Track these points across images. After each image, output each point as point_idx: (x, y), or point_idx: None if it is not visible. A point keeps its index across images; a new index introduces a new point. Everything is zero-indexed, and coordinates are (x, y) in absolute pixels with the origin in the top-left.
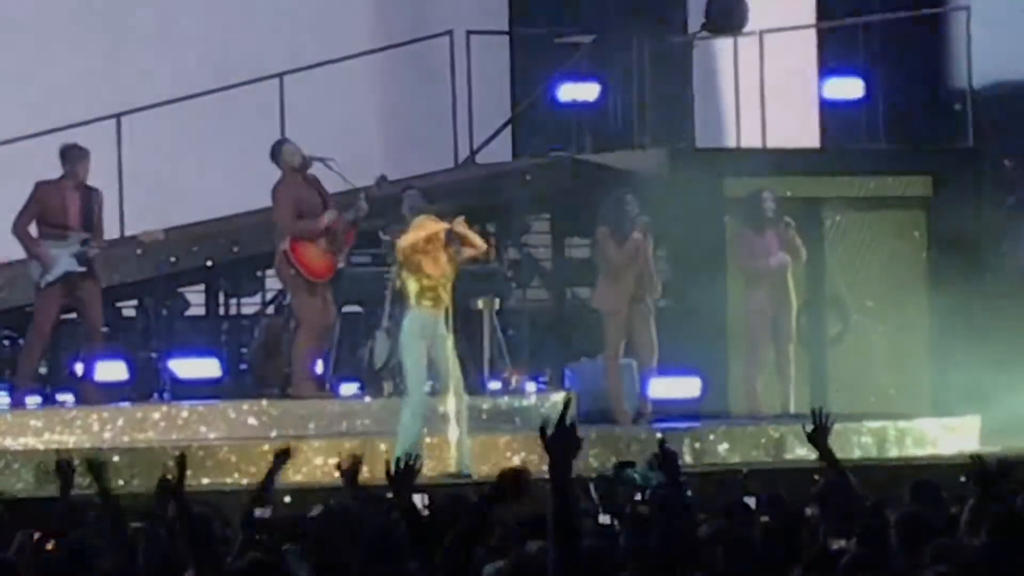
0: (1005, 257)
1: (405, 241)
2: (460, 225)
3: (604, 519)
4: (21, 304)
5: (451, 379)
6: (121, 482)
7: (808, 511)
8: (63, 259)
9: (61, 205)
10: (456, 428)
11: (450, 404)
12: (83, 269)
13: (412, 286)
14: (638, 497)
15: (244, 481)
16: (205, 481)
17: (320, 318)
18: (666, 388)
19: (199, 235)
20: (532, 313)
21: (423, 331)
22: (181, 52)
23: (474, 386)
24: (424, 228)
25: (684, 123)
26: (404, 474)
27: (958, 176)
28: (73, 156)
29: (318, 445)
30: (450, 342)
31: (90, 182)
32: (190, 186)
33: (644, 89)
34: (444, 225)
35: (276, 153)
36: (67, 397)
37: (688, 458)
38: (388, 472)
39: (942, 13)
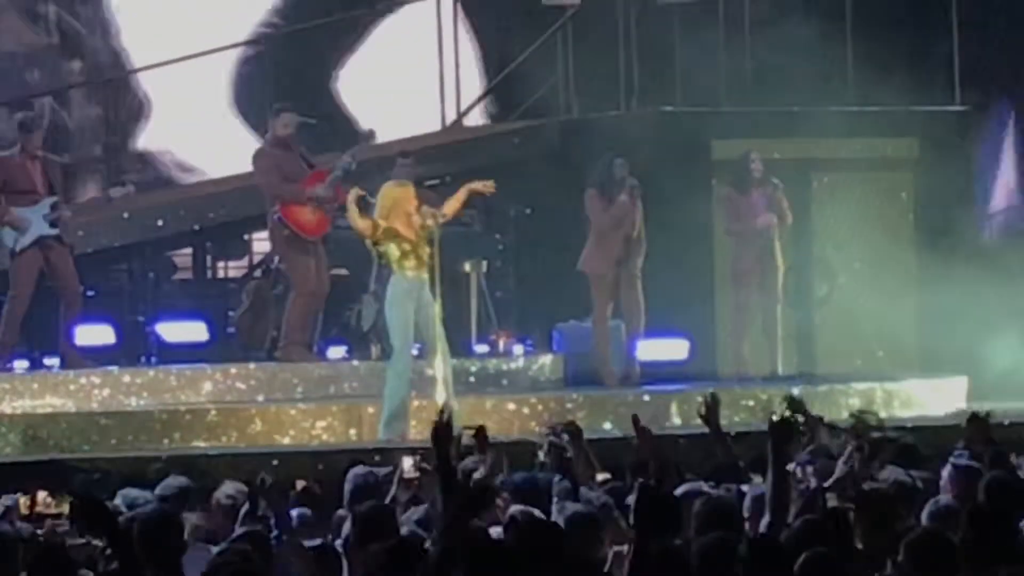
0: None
1: (366, 228)
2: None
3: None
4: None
5: (438, 342)
6: (114, 443)
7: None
8: (36, 222)
9: (25, 173)
10: (444, 391)
11: (437, 367)
12: (55, 232)
13: (393, 251)
14: None
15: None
16: (194, 445)
17: (312, 280)
18: (654, 350)
19: (186, 199)
20: (520, 276)
21: (408, 295)
22: (166, 15)
23: (461, 349)
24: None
25: (671, 85)
26: (441, 431)
27: (945, 138)
28: (31, 125)
29: (305, 409)
30: (436, 306)
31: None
32: (177, 149)
33: (631, 51)
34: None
35: (273, 117)
36: (54, 361)
37: (676, 420)
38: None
39: None
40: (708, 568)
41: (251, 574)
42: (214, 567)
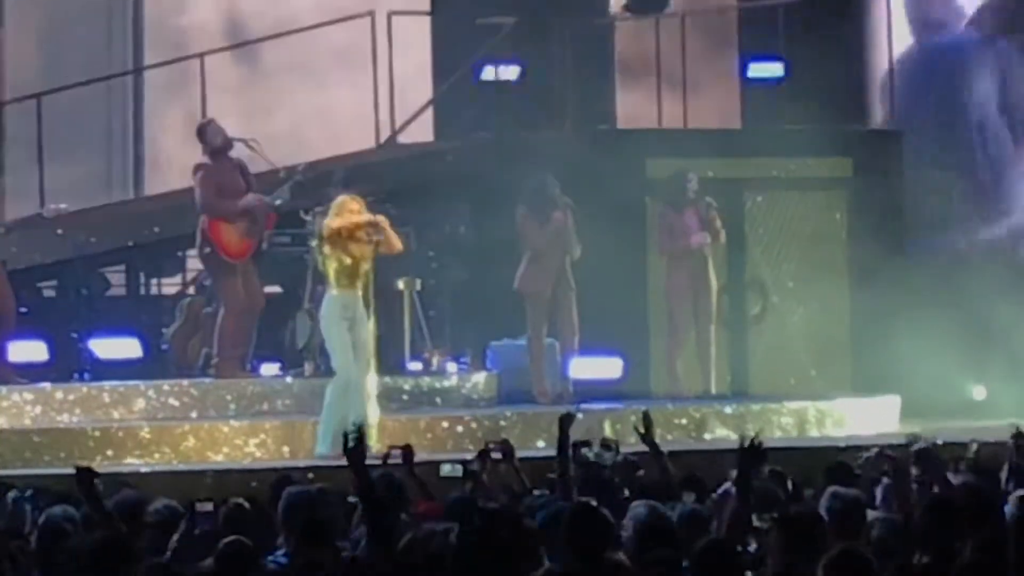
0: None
1: (334, 223)
2: (383, 222)
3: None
4: None
5: (371, 359)
6: (47, 459)
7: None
8: None
9: None
10: (376, 408)
11: (370, 383)
12: None
13: (332, 266)
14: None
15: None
16: (127, 462)
17: (241, 297)
18: (588, 369)
19: (120, 215)
20: (453, 293)
21: (343, 312)
22: (106, 30)
23: (395, 367)
24: (350, 213)
25: (606, 104)
26: (355, 450)
27: (879, 158)
28: None
29: (239, 426)
30: (370, 323)
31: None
32: (113, 166)
33: (566, 70)
34: (368, 217)
35: (201, 133)
36: None
37: None
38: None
39: None
40: None
41: None
42: None
